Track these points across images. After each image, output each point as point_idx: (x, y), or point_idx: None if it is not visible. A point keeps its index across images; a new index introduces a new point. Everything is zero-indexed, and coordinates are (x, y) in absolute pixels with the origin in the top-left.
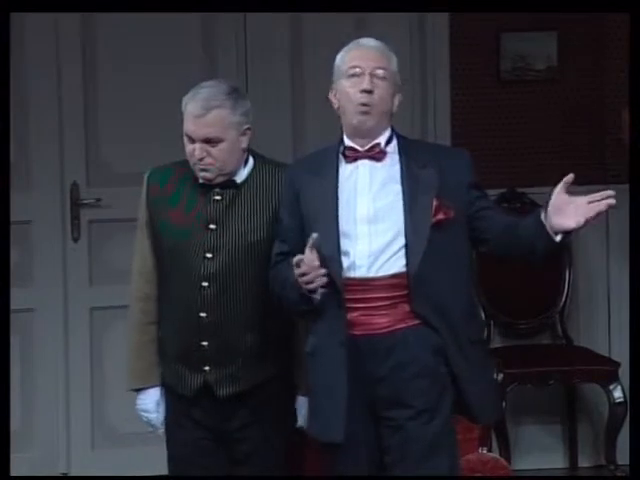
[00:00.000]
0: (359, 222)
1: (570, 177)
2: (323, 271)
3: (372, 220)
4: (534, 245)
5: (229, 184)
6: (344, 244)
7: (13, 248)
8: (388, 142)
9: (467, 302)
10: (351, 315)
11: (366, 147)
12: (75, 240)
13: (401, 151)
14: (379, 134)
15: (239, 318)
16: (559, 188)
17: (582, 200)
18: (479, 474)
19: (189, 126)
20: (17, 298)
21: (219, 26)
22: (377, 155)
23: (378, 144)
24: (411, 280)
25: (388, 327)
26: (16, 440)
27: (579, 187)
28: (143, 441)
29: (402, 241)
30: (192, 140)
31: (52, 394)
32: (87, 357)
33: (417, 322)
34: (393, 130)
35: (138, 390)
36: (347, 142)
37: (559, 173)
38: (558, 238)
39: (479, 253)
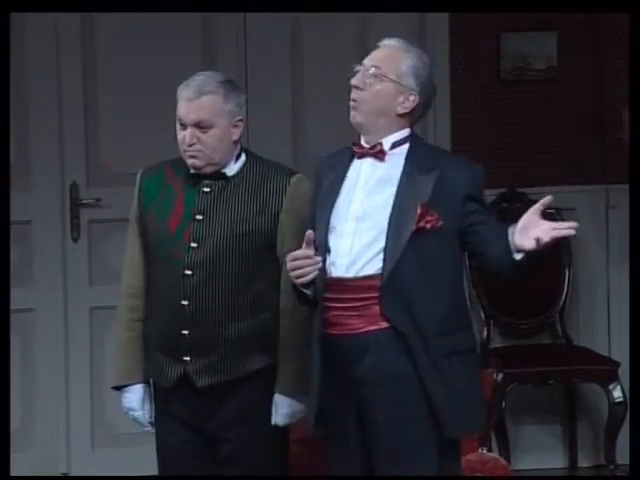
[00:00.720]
0: (349, 219)
1: (548, 199)
2: (318, 259)
3: (360, 218)
4: (502, 260)
5: (219, 176)
6: (331, 239)
7: (13, 248)
8: (398, 144)
9: (447, 313)
10: (329, 314)
11: (370, 145)
12: (75, 240)
13: (409, 155)
14: (382, 133)
15: (222, 308)
16: (534, 208)
17: (548, 225)
18: (479, 474)
19: (181, 110)
20: (17, 298)
21: (219, 26)
22: (377, 154)
23: (380, 143)
24: (383, 283)
25: (361, 328)
26: (16, 440)
27: (579, 187)
28: (143, 441)
29: (383, 243)
30: (183, 126)
31: (52, 394)
32: (87, 357)
33: (389, 325)
34: (411, 134)
35: (123, 387)
36: (361, 138)
37: (559, 173)
38: (517, 257)
39: None
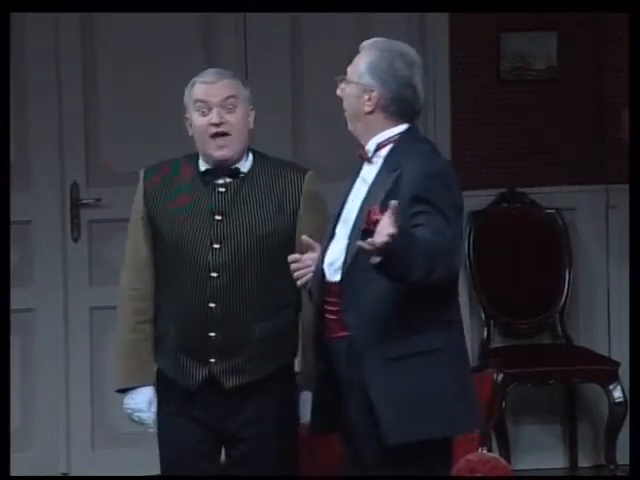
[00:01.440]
0: (341, 223)
1: (393, 204)
2: (309, 262)
3: (345, 222)
4: None
5: (233, 173)
6: (332, 243)
7: (13, 248)
8: (383, 145)
9: (398, 315)
10: (323, 316)
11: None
12: (75, 240)
13: (388, 155)
14: (368, 135)
15: (248, 309)
16: (387, 213)
17: (388, 229)
18: (479, 474)
19: (202, 95)
20: (17, 298)
21: (219, 26)
22: (362, 157)
23: (363, 147)
24: (341, 288)
25: (339, 332)
26: (16, 440)
27: (579, 187)
28: (143, 441)
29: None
30: (207, 109)
31: (52, 394)
32: (87, 357)
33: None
34: (405, 132)
35: (127, 390)
36: None
37: (559, 173)
38: (371, 260)
39: (479, 253)
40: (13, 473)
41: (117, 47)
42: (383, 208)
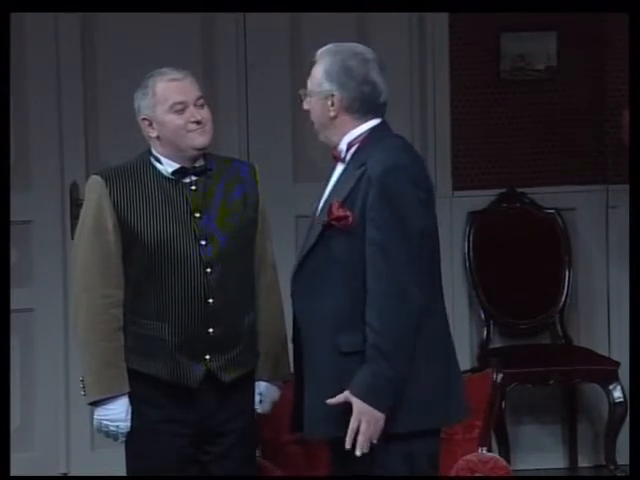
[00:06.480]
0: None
1: None
2: None
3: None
4: None
5: (200, 171)
6: None
7: (13, 248)
8: (353, 143)
9: (349, 308)
10: None
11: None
12: None
13: (355, 152)
14: (337, 138)
15: (239, 300)
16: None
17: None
18: (479, 474)
19: (177, 94)
20: (17, 298)
21: (219, 26)
22: (335, 158)
23: (335, 147)
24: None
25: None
26: (16, 440)
27: (579, 187)
28: None
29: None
30: (183, 107)
31: (52, 394)
32: None
33: None
34: (373, 128)
35: (103, 400)
36: None
37: (559, 173)
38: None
39: (478, 253)
40: (13, 473)
41: (117, 47)
42: (343, 204)
